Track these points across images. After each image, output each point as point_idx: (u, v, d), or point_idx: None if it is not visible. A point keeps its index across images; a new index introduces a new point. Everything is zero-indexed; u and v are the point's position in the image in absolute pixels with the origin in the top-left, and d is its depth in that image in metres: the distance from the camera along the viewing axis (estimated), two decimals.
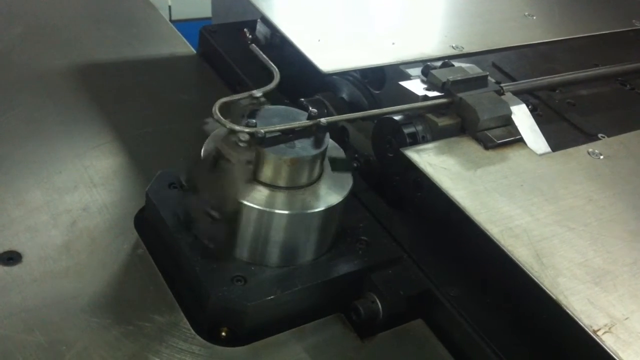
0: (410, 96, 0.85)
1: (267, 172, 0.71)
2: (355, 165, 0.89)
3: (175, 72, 1.12)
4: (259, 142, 0.70)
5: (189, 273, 0.72)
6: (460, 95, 0.84)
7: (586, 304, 0.64)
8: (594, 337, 0.61)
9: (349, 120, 0.92)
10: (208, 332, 0.70)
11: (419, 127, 0.82)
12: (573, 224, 0.73)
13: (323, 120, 0.73)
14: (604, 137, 0.95)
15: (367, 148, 0.90)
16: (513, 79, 1.06)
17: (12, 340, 0.65)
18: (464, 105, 0.83)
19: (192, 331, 0.69)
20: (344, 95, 0.99)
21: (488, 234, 0.70)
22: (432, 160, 0.78)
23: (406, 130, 0.81)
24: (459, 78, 0.85)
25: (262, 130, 0.70)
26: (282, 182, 0.71)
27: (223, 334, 0.70)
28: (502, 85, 0.89)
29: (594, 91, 1.11)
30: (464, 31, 1.02)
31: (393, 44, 0.94)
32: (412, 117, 0.83)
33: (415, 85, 0.86)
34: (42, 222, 0.78)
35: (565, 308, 0.63)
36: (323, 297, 0.73)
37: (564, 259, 0.68)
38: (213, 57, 1.13)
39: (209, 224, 0.69)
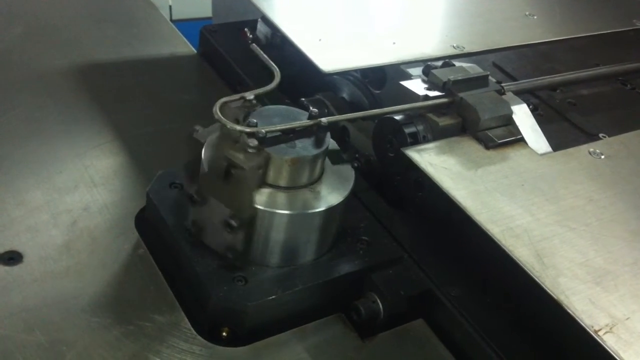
0: (411, 96, 0.84)
1: (268, 172, 0.71)
2: (355, 165, 0.89)
3: (175, 71, 1.12)
4: (259, 142, 0.70)
5: (190, 273, 0.72)
6: (461, 95, 0.84)
7: (587, 304, 0.64)
8: (595, 337, 0.61)
9: (349, 120, 0.92)
10: (209, 332, 0.70)
11: (420, 127, 0.82)
12: (574, 223, 0.73)
13: (324, 120, 0.73)
14: (604, 137, 0.95)
15: (367, 148, 0.90)
16: (514, 79, 1.06)
17: (13, 340, 0.65)
18: (464, 105, 0.83)
19: (193, 331, 0.69)
20: (345, 95, 0.99)
21: (489, 233, 0.70)
22: (433, 160, 0.78)
23: (407, 130, 0.81)
24: (459, 78, 0.85)
25: (262, 130, 0.69)
26: (282, 182, 0.71)
27: (224, 334, 0.70)
28: (503, 84, 0.89)
29: (594, 91, 1.11)
30: (464, 31, 1.02)
31: (394, 43, 0.94)
32: (412, 116, 0.83)
33: (416, 85, 0.86)
34: (43, 222, 0.78)
35: (566, 308, 0.63)
36: (324, 297, 0.73)
37: (565, 259, 0.68)
38: (214, 56, 1.13)
39: (227, 233, 0.69)
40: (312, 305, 0.73)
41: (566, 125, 1.01)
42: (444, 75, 0.85)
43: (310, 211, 0.71)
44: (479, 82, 0.87)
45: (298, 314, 0.72)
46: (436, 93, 0.85)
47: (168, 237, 0.76)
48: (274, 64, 0.82)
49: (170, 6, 2.26)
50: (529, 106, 0.89)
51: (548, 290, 0.65)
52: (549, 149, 0.85)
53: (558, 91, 1.08)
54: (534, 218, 0.73)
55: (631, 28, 1.16)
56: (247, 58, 1.00)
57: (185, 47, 1.17)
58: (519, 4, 1.14)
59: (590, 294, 0.65)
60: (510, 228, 0.71)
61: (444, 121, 0.83)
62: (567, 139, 0.95)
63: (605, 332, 0.62)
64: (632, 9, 1.21)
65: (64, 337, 0.67)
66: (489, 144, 0.82)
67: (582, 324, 0.62)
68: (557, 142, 0.87)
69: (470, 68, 0.90)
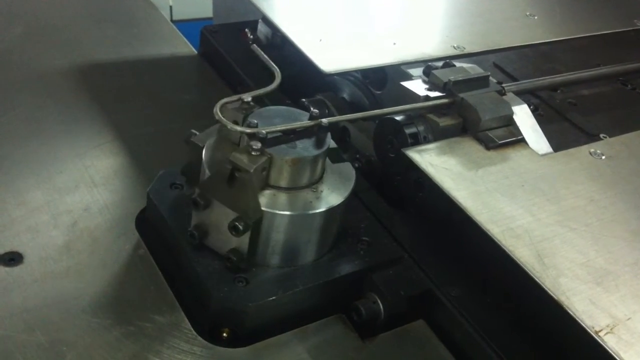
0: (412, 96, 0.84)
1: (269, 173, 0.71)
2: (356, 165, 0.89)
3: (176, 72, 1.12)
4: (261, 143, 0.69)
5: (191, 273, 0.72)
6: (461, 95, 0.84)
7: (588, 304, 0.64)
8: (596, 337, 0.61)
9: (350, 121, 0.92)
10: (209, 332, 0.70)
11: (421, 128, 0.82)
12: (574, 224, 0.73)
13: (324, 120, 0.73)
14: (605, 137, 0.95)
15: (368, 148, 0.90)
16: (514, 79, 1.06)
17: (13, 341, 0.65)
18: (465, 106, 0.83)
19: (193, 332, 0.69)
20: (345, 96, 0.99)
21: (489, 234, 0.70)
22: (434, 161, 0.78)
23: (407, 131, 0.81)
24: (460, 78, 0.85)
25: (263, 131, 0.69)
26: (283, 183, 0.71)
27: (224, 334, 0.70)
28: (503, 85, 0.89)
29: (595, 91, 1.11)
30: (465, 31, 1.02)
31: (394, 44, 0.94)
32: (413, 117, 0.83)
33: (417, 86, 0.86)
34: (43, 222, 0.78)
35: (567, 309, 0.63)
36: (324, 297, 0.73)
37: (566, 259, 0.68)
38: (214, 57, 1.12)
39: (232, 237, 0.69)
40: (313, 305, 0.73)
41: (567, 126, 1.01)
42: (445, 75, 0.85)
43: (311, 212, 0.71)
44: (479, 82, 0.87)
45: (298, 315, 0.72)
46: (437, 93, 0.85)
47: (169, 238, 0.76)
48: (274, 65, 0.82)
49: (170, 6, 2.27)
50: (529, 106, 0.89)
51: (548, 291, 0.65)
52: (550, 149, 0.85)
53: (559, 91, 1.08)
54: (535, 218, 0.73)
55: (632, 28, 1.16)
56: (248, 58, 1.00)
57: (185, 47, 1.17)
58: (520, 4, 1.14)
59: (591, 294, 0.65)
60: (510, 228, 0.71)
61: (444, 122, 0.83)
62: (568, 140, 0.95)
63: (606, 333, 0.62)
64: (632, 9, 1.21)
65: (65, 337, 0.67)
66: (490, 145, 0.82)
67: (583, 325, 0.62)
68: (558, 142, 0.87)
69: (470, 68, 0.90)
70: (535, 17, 1.10)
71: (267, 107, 0.75)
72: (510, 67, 1.11)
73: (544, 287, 0.65)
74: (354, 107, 0.96)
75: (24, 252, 0.74)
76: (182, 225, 0.74)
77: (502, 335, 0.71)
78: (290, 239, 0.72)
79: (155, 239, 0.78)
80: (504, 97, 0.87)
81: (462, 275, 0.76)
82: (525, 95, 0.96)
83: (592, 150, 0.85)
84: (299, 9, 1.00)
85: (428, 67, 0.89)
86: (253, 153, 0.68)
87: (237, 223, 0.67)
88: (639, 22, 1.17)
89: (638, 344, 0.61)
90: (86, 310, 0.69)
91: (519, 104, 0.87)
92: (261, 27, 0.98)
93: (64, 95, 1.00)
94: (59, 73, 1.04)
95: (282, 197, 0.71)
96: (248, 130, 0.69)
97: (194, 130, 0.76)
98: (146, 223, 0.80)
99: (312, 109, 0.74)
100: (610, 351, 0.60)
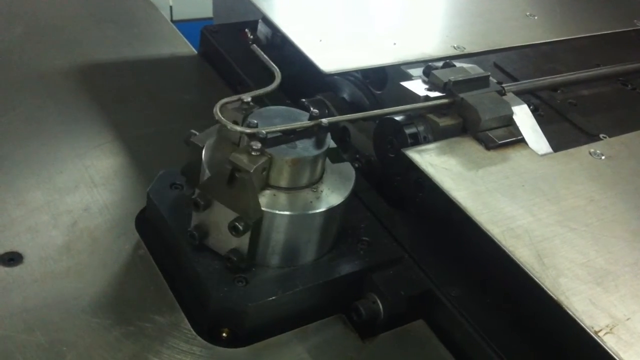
0: (412, 96, 0.84)
1: (269, 173, 0.71)
2: (356, 165, 0.89)
3: (176, 72, 1.12)
4: (261, 144, 0.69)
5: (190, 273, 0.72)
6: (461, 95, 0.84)
7: (588, 304, 0.64)
8: (596, 338, 0.61)
9: (350, 121, 0.92)
10: (209, 332, 0.70)
11: (421, 128, 0.82)
12: (574, 224, 0.73)
13: (324, 120, 0.73)
14: (605, 138, 0.95)
15: (368, 148, 0.90)
16: (514, 79, 1.06)
17: (13, 341, 0.65)
18: (465, 106, 0.83)
19: (193, 332, 0.69)
20: (345, 96, 0.99)
21: (489, 234, 0.70)
22: (434, 161, 0.78)
23: (407, 131, 0.81)
24: (460, 78, 0.85)
25: (263, 131, 0.69)
26: (283, 183, 0.71)
27: (224, 334, 0.70)
28: (503, 85, 0.89)
29: (595, 91, 1.11)
30: (465, 31, 1.02)
31: (394, 44, 0.94)
32: (413, 117, 0.83)
33: (417, 86, 0.86)
34: (43, 222, 0.78)
35: (566, 309, 0.63)
36: (324, 297, 0.73)
37: (566, 259, 0.68)
38: (214, 57, 1.12)
39: (232, 237, 0.69)
40: (313, 305, 0.73)
41: (567, 126, 1.01)
42: (445, 75, 0.85)
43: (311, 212, 0.71)
44: (479, 82, 0.87)
45: (298, 315, 0.72)
46: (437, 94, 0.85)
47: (169, 238, 0.76)
48: (274, 65, 0.82)
49: (170, 6, 2.26)
50: (529, 107, 0.89)
51: (548, 291, 0.65)
52: (550, 149, 0.85)
53: (559, 91, 1.08)
54: (535, 218, 0.73)
55: (632, 28, 1.16)
56: (248, 58, 1.00)
57: (185, 47, 1.17)
58: (520, 4, 1.14)
59: (590, 294, 0.65)
60: (510, 228, 0.71)
61: (444, 122, 0.83)
62: (568, 140, 0.95)
63: (606, 333, 0.62)
64: (632, 9, 1.21)
65: (64, 337, 0.67)
66: (490, 145, 0.82)
67: (583, 325, 0.62)
68: (558, 142, 0.88)
69: (470, 69, 0.90)
70: (536, 17, 1.10)
71: (267, 107, 0.75)
72: (511, 67, 1.11)
73: (544, 287, 0.65)
74: (354, 107, 0.96)
75: (24, 252, 0.74)
76: (182, 226, 0.74)
77: (502, 335, 0.71)
78: (290, 239, 0.72)
79: (155, 239, 0.78)
80: (504, 97, 0.87)
81: (462, 275, 0.76)
82: (525, 96, 0.96)
83: (592, 150, 0.85)
84: (299, 9, 1.00)
85: (428, 67, 0.89)
86: (253, 153, 0.68)
87: (237, 223, 0.67)
88: (639, 22, 1.17)
89: (637, 344, 0.61)
90: (86, 310, 0.69)
91: (519, 104, 0.87)
92: (261, 27, 0.98)
93: (64, 95, 1.00)
94: (59, 73, 1.04)
95: (282, 197, 0.71)
96: (248, 131, 0.69)
97: (193, 131, 0.76)
98: (146, 223, 0.80)
99: (312, 109, 0.74)
100: (610, 351, 0.60)
